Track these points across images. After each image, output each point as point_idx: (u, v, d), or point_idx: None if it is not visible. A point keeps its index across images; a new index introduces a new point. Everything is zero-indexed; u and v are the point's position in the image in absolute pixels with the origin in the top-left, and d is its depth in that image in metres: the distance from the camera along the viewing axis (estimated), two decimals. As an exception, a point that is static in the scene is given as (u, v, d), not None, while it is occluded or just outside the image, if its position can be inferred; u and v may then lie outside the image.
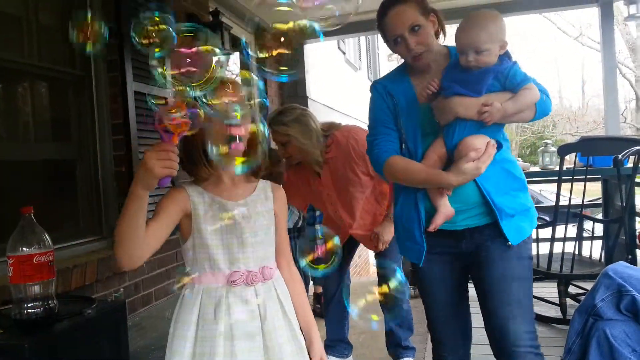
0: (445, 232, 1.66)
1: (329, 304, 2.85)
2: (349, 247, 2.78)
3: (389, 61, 16.03)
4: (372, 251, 2.75)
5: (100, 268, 2.34)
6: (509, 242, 1.61)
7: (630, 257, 2.94)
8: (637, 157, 3.23)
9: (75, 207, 2.60)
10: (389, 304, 2.75)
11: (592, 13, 14.65)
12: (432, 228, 1.62)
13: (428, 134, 1.64)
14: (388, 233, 2.59)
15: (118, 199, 2.66)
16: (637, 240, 3.04)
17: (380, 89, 1.75)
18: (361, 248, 2.95)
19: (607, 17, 4.67)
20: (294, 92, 5.32)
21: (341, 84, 7.62)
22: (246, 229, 1.33)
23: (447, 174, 1.55)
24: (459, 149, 1.54)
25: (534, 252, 1.88)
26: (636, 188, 3.46)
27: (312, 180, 2.64)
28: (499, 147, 1.57)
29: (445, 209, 1.62)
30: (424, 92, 1.61)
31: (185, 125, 1.14)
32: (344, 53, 7.87)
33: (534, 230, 1.71)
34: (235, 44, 4.48)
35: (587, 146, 3.34)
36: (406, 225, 1.72)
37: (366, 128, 2.58)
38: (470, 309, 1.83)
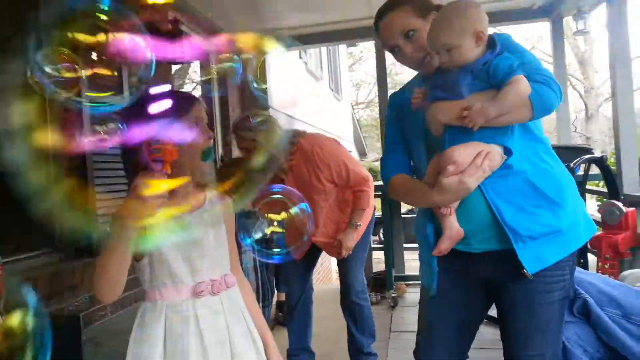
0: (461, 254, 1.45)
1: (293, 312, 2.83)
2: (312, 255, 2.78)
3: (350, 71, 16.18)
4: (335, 258, 2.76)
5: (53, 281, 2.26)
6: (525, 271, 1.35)
7: (582, 261, 3.05)
8: (587, 165, 3.37)
9: (26, 218, 2.50)
10: (349, 310, 2.77)
11: (544, 27, 15.27)
12: (435, 252, 1.43)
13: (433, 147, 1.42)
14: (350, 240, 2.61)
15: (72, 210, 2.57)
16: (589, 246, 3.16)
17: (391, 101, 1.62)
18: (324, 255, 2.96)
19: (557, 31, 4.88)
20: (255, 101, 5.29)
21: (302, 93, 7.64)
22: (204, 240, 1.32)
23: (431, 191, 1.36)
24: (440, 163, 1.34)
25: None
26: (587, 195, 3.61)
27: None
28: (508, 154, 1.34)
29: (451, 231, 1.40)
30: (413, 101, 1.44)
31: (175, 153, 1.13)
32: (305, 63, 7.91)
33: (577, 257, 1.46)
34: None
35: (540, 155, 3.45)
36: (419, 248, 1.56)
37: (329, 136, 2.60)
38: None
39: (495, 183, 1.35)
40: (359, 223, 2.61)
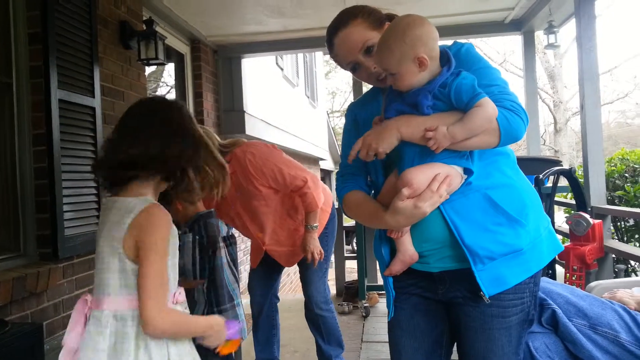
0: (419, 273, 1.39)
1: (257, 321, 2.79)
2: (273, 263, 2.75)
3: (326, 79, 16.23)
4: (298, 267, 2.74)
5: (16, 288, 2.17)
6: (482, 294, 1.28)
7: (550, 272, 3.10)
8: (556, 176, 3.44)
9: (-11, 222, 2.41)
10: (313, 321, 2.73)
11: (516, 41, 15.62)
12: (386, 273, 1.38)
13: (391, 164, 1.35)
14: (311, 242, 2.58)
15: (37, 214, 2.49)
16: (557, 257, 3.22)
17: (349, 114, 1.53)
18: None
19: (529, 45, 4.99)
20: (231, 106, 5.26)
21: (278, 99, 7.62)
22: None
23: (384, 213, 1.28)
24: (397, 184, 1.27)
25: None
26: (555, 206, 3.68)
27: (220, 203, 2.54)
28: (468, 174, 1.28)
29: (404, 255, 1.35)
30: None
31: None
32: (281, 69, 7.89)
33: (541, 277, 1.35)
34: (170, 55, 4.39)
35: (511, 166, 3.50)
36: (379, 267, 1.47)
37: (268, 143, 2.56)
38: None
39: (454, 201, 1.28)
40: (314, 225, 2.58)
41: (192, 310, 2.06)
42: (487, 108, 1.20)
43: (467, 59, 1.31)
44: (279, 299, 2.90)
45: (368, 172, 1.45)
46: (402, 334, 1.46)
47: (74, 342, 1.30)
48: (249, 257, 3.19)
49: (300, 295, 3.01)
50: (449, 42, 1.37)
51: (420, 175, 1.24)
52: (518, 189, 1.34)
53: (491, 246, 1.27)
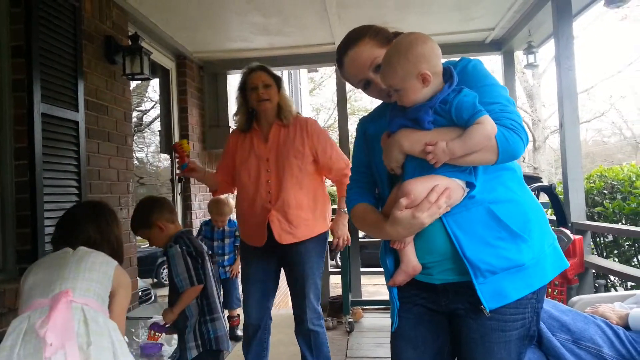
0: (423, 284, 1.41)
1: (250, 342, 2.72)
2: (272, 279, 2.72)
3: (310, 95, 16.34)
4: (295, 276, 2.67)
5: (-7, 305, 2.12)
6: (482, 307, 1.29)
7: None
8: (536, 192, 3.49)
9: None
10: (304, 337, 2.71)
11: (496, 60, 15.93)
12: (390, 283, 1.40)
13: (397, 177, 1.38)
14: (342, 227, 2.70)
15: (18, 229, 2.44)
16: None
17: (359, 129, 1.56)
18: (281, 279, 2.90)
19: (508, 65, 5.10)
20: (216, 121, 5.25)
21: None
22: None
23: (385, 223, 1.31)
24: (397, 194, 1.30)
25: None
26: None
27: (256, 146, 2.65)
28: (471, 188, 1.30)
29: (407, 266, 1.37)
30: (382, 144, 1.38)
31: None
32: (266, 85, 7.92)
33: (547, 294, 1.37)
34: (155, 70, 4.38)
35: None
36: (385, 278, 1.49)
37: None
38: None
39: (456, 214, 1.30)
40: (345, 209, 2.55)
41: (184, 324, 2.07)
42: (486, 126, 1.22)
43: (473, 76, 1.34)
44: (272, 319, 2.84)
45: (376, 184, 1.49)
46: (404, 344, 1.47)
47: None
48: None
49: (284, 311, 2.99)
50: (456, 57, 1.40)
51: (419, 186, 1.26)
52: (522, 204, 1.35)
53: (492, 260, 1.28)
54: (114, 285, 1.59)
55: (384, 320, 2.62)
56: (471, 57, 1.40)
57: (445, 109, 1.26)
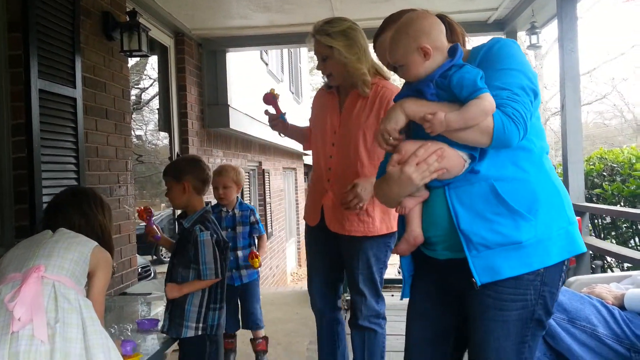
0: (433, 262, 1.44)
1: (321, 331, 2.43)
2: (335, 255, 2.33)
3: (310, 75, 16.21)
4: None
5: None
6: (473, 280, 1.30)
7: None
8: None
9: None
10: (355, 328, 2.31)
11: (498, 41, 15.75)
12: (393, 252, 1.46)
13: None
14: (366, 190, 2.09)
15: (16, 205, 2.44)
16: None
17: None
18: (279, 257, 2.90)
19: (511, 45, 5.04)
20: (215, 99, 5.22)
21: (263, 94, 7.58)
22: None
23: (382, 182, 1.39)
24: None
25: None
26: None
27: (331, 113, 2.31)
28: (473, 160, 1.31)
29: (409, 235, 1.40)
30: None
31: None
32: (266, 64, 7.86)
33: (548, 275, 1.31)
34: (153, 47, 4.33)
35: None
36: None
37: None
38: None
39: (459, 187, 1.32)
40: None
41: (183, 298, 2.05)
42: (485, 102, 1.23)
43: (497, 56, 1.34)
44: (341, 309, 2.46)
45: None
46: (411, 319, 1.52)
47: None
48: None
49: (282, 289, 2.99)
50: (489, 37, 1.43)
51: (410, 145, 1.31)
52: (531, 183, 1.33)
53: (486, 234, 1.29)
54: (91, 265, 1.58)
55: (388, 298, 2.58)
56: (471, 38, 1.42)
57: (445, 85, 1.28)
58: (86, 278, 1.57)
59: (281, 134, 2.60)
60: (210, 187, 2.55)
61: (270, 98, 2.45)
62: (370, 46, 2.08)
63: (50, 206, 1.78)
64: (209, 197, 3.81)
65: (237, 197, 3.08)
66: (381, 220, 2.22)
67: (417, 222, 1.38)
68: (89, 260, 1.57)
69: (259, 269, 3.06)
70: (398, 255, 1.53)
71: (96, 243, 1.63)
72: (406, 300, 1.57)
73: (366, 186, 2.10)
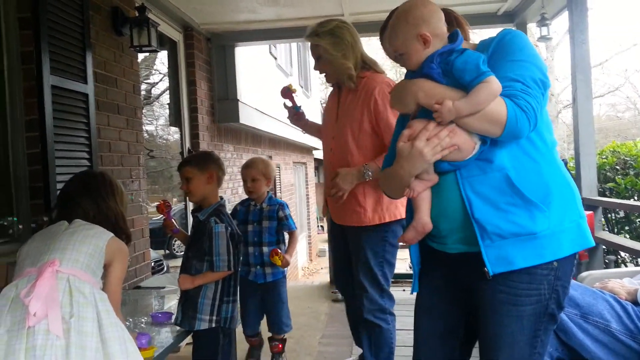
0: (442, 256, 1.43)
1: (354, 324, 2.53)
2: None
3: (319, 68, 16.10)
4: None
5: (10, 273, 2.15)
6: (486, 270, 1.28)
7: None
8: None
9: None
10: (362, 323, 2.39)
11: (509, 33, 15.59)
12: (400, 240, 1.44)
13: None
14: (347, 179, 2.20)
15: (31, 200, 2.47)
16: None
17: None
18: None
19: (522, 37, 4.99)
20: (225, 94, 5.23)
21: (272, 88, 7.59)
22: None
23: (384, 171, 1.39)
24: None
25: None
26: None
27: (331, 107, 2.46)
28: (483, 144, 1.29)
29: (417, 222, 1.37)
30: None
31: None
32: (275, 58, 7.85)
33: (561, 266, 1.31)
34: (163, 42, 4.34)
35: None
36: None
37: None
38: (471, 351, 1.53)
39: (473, 177, 1.31)
40: (368, 169, 2.19)
41: (196, 291, 2.07)
42: (492, 84, 1.23)
43: (508, 47, 1.33)
44: (367, 291, 2.32)
45: None
46: (421, 312, 1.51)
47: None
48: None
49: (294, 283, 2.97)
50: (499, 29, 1.39)
51: (421, 123, 1.30)
52: (544, 175, 1.32)
53: (501, 224, 1.28)
54: (108, 257, 1.59)
55: (399, 293, 2.60)
56: (480, 29, 1.42)
57: (448, 70, 1.27)
58: (102, 269, 1.59)
59: (303, 131, 2.79)
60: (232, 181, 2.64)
61: (287, 92, 2.57)
62: (366, 40, 2.13)
63: (62, 195, 1.78)
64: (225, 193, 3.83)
65: (268, 191, 3.00)
66: (373, 210, 2.26)
67: (426, 209, 1.37)
68: (105, 252, 1.58)
69: (287, 268, 2.89)
70: (408, 250, 1.53)
71: (111, 234, 1.64)
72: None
73: (346, 176, 2.21)
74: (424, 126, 1.28)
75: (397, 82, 1.60)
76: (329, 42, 2.26)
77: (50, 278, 1.42)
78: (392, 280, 2.49)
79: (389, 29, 1.38)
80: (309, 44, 2.37)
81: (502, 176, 1.29)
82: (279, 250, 2.77)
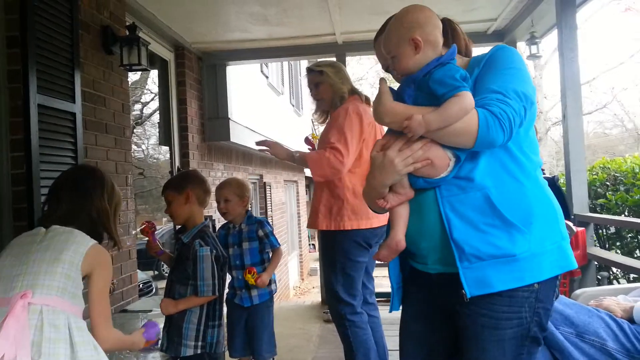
0: (423, 275, 1.39)
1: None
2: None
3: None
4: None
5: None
6: (463, 292, 1.24)
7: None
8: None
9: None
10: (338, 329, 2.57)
11: (497, 52, 15.78)
12: (374, 257, 1.40)
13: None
14: (280, 150, 2.65)
15: (15, 221, 2.42)
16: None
17: None
18: (282, 271, 2.86)
19: (511, 55, 5.04)
20: (215, 113, 5.21)
21: (263, 107, 7.59)
22: None
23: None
24: None
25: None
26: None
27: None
28: (458, 160, 1.27)
29: (391, 239, 1.34)
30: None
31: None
32: (266, 77, 7.88)
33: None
34: (154, 61, 4.34)
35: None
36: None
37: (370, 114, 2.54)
38: None
39: (453, 196, 1.27)
40: (296, 155, 2.64)
41: (180, 316, 2.02)
42: (465, 99, 1.21)
43: (495, 60, 1.33)
44: (370, 304, 2.67)
45: None
46: (404, 339, 1.49)
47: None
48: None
49: (285, 303, 2.92)
50: (489, 47, 1.39)
51: (395, 134, 1.31)
52: (527, 197, 1.29)
53: (479, 245, 1.24)
54: (87, 268, 1.49)
55: (384, 312, 2.57)
56: (477, 47, 1.42)
57: (425, 81, 1.27)
58: (82, 284, 1.50)
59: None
60: (214, 201, 2.64)
61: (309, 140, 2.90)
62: (357, 59, 2.27)
63: (50, 189, 1.68)
64: (215, 212, 3.78)
65: (247, 210, 2.87)
66: (324, 216, 2.56)
67: (402, 227, 1.34)
68: (82, 265, 1.48)
69: (272, 288, 2.78)
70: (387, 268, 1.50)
71: (91, 243, 1.52)
72: (398, 314, 1.52)
73: (280, 147, 2.68)
74: (398, 137, 1.29)
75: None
76: (332, 70, 2.68)
77: (21, 314, 1.34)
78: (378, 299, 2.73)
79: (385, 32, 1.39)
80: (307, 74, 2.76)
81: (483, 195, 1.26)
82: (254, 269, 2.63)
